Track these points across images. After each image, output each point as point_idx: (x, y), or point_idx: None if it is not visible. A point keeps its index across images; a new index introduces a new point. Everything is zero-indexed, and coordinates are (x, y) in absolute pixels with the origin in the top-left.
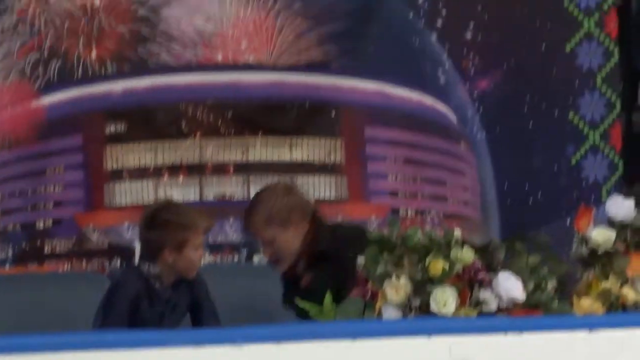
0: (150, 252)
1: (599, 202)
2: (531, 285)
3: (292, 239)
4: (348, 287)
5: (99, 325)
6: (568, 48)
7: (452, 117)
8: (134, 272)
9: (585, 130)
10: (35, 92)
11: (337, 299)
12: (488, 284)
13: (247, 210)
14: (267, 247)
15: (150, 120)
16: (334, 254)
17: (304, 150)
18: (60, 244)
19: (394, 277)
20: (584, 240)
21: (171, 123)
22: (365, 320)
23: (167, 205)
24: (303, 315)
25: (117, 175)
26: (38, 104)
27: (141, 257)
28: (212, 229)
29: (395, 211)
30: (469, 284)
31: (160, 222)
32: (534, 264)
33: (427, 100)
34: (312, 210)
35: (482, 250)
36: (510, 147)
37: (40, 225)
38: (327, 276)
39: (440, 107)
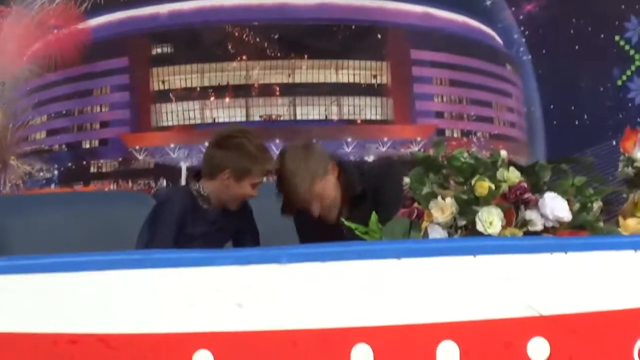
0: (211, 168)
1: None
2: (577, 206)
3: (332, 186)
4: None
5: (145, 241)
6: None
7: (497, 39)
8: (182, 191)
9: (632, 52)
10: (81, 14)
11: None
12: (534, 204)
13: (288, 191)
14: (316, 205)
15: (196, 42)
16: (369, 190)
17: (349, 72)
18: (106, 164)
19: (439, 198)
20: (630, 160)
21: (217, 45)
22: (411, 240)
23: (247, 132)
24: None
25: (163, 96)
26: (84, 26)
27: (194, 176)
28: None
29: (440, 132)
30: (514, 204)
31: (235, 143)
32: (580, 184)
33: (473, 22)
34: (332, 157)
35: (528, 171)
36: (556, 69)
37: (86, 145)
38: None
39: (486, 29)
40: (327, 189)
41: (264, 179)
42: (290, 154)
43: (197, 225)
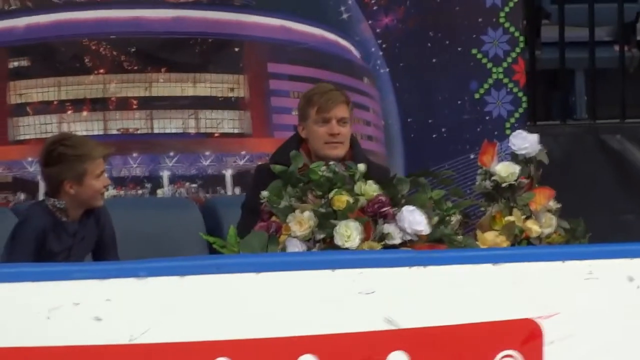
0: (52, 187)
1: (503, 137)
2: (435, 219)
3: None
4: None
5: (5, 260)
6: None
7: (355, 52)
8: (40, 207)
9: (489, 65)
10: None
11: None
12: (392, 217)
13: (324, 90)
14: (339, 127)
15: (53, 55)
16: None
17: (207, 85)
18: None
19: (297, 211)
20: (488, 174)
21: (74, 58)
22: (269, 254)
23: (62, 139)
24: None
25: (21, 109)
26: None
27: (46, 192)
28: (113, 159)
29: None
30: (373, 217)
31: (56, 156)
32: (438, 197)
33: (330, 35)
34: None
35: (386, 185)
36: (413, 82)
37: None
38: None
39: (343, 42)
40: (348, 129)
41: (104, 165)
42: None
43: (59, 239)
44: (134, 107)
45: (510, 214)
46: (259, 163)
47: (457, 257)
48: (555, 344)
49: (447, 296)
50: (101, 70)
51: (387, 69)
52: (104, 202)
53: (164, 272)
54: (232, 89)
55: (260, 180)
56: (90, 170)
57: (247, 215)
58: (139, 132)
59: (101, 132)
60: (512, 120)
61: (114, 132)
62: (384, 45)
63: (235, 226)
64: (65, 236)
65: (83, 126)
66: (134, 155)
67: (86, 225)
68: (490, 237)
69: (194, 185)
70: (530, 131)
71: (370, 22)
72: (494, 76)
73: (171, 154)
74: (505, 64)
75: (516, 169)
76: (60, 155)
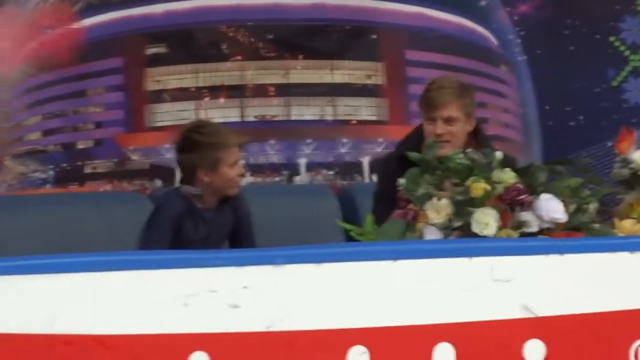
0: (187, 174)
1: None
2: (572, 207)
3: (464, 133)
4: None
5: (143, 247)
6: None
7: (492, 40)
8: (176, 194)
9: (627, 53)
10: (75, 14)
11: None
12: (529, 205)
13: (435, 85)
14: (445, 127)
15: (191, 42)
16: None
17: (344, 72)
18: (101, 165)
19: (435, 199)
20: (626, 162)
21: (212, 45)
22: (407, 241)
23: (197, 126)
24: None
25: (158, 96)
26: (78, 26)
27: (181, 179)
28: (250, 147)
29: None
30: (510, 205)
31: (190, 143)
32: (576, 185)
33: (468, 23)
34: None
35: (524, 172)
36: (551, 70)
37: (81, 146)
38: None
39: (481, 30)
40: (457, 128)
41: (240, 154)
42: (455, 80)
43: (195, 226)
44: (271, 94)
45: None
46: (388, 153)
47: (595, 245)
48: None
49: (584, 284)
50: (238, 57)
51: (525, 57)
52: (241, 189)
53: (300, 259)
54: (369, 76)
55: (391, 169)
56: (224, 158)
57: (379, 205)
58: (276, 119)
59: (238, 119)
60: None
61: (251, 119)
62: (521, 33)
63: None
64: (201, 223)
65: (220, 113)
66: (271, 142)
67: (223, 212)
68: (628, 225)
69: (330, 172)
70: None
71: (508, 9)
72: (632, 64)
73: (308, 141)
74: None
75: None
76: (195, 143)
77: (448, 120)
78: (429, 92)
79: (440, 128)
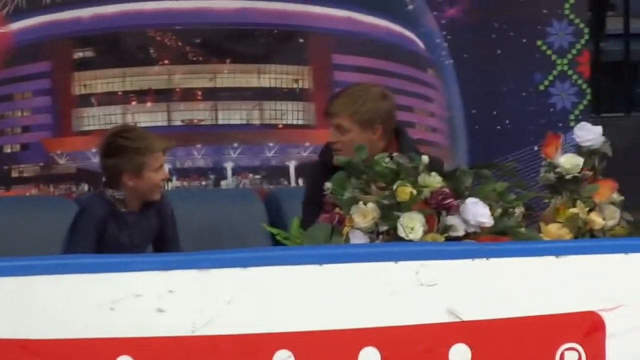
0: (111, 178)
1: (567, 129)
2: (498, 211)
3: (365, 142)
4: None
5: (66, 250)
6: None
7: (419, 44)
8: (99, 197)
9: (554, 57)
10: (2, 18)
11: None
12: (455, 209)
13: (336, 94)
14: (337, 135)
15: (118, 46)
16: None
17: (271, 77)
18: (28, 169)
19: (361, 203)
20: (552, 166)
21: (139, 49)
22: (333, 245)
23: (122, 130)
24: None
25: (85, 100)
26: (6, 30)
27: (104, 183)
28: (177, 151)
29: None
30: (436, 209)
31: (115, 147)
32: (502, 189)
33: (395, 27)
34: (397, 125)
35: (450, 176)
36: (478, 74)
37: (7, 149)
38: None
39: (408, 34)
40: (352, 138)
41: (164, 158)
42: (366, 86)
43: (119, 230)
44: (199, 98)
45: (574, 206)
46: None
47: (521, 249)
48: (617, 337)
49: (510, 288)
50: (166, 61)
51: (452, 61)
52: (166, 193)
53: (226, 263)
54: (296, 80)
55: (317, 175)
56: (149, 163)
57: (307, 210)
58: (203, 123)
59: (165, 124)
60: (576, 112)
61: (178, 123)
62: (448, 37)
63: (298, 217)
64: (124, 227)
65: (147, 117)
66: (198, 146)
67: (147, 216)
68: (554, 230)
69: (257, 176)
70: (594, 123)
71: (435, 13)
72: (559, 68)
73: (235, 145)
74: (569, 56)
75: (580, 161)
76: (119, 147)
77: (339, 129)
78: (330, 100)
79: (332, 136)
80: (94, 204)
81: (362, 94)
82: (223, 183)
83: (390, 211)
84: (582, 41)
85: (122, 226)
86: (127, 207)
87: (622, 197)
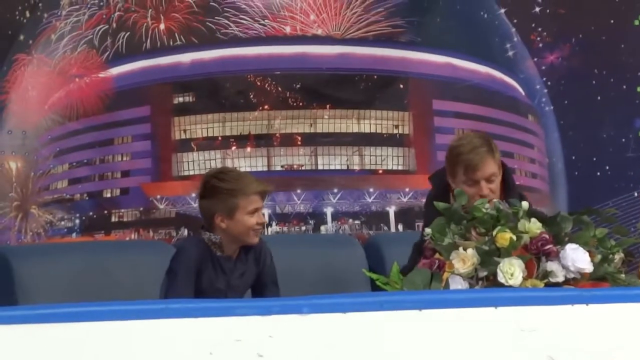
0: (206, 219)
1: None
2: (598, 257)
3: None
4: None
5: (165, 293)
6: (636, 22)
7: (520, 90)
8: (195, 240)
9: None
10: (103, 63)
11: None
12: (555, 255)
13: (468, 149)
14: (487, 185)
15: (217, 91)
16: None
17: (371, 122)
18: (128, 214)
19: (460, 248)
20: None
21: (239, 94)
22: (432, 291)
23: (218, 172)
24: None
25: (185, 145)
26: (106, 75)
27: (202, 226)
28: (276, 196)
29: None
30: (536, 255)
31: (210, 188)
32: (601, 235)
33: (495, 73)
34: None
35: (550, 222)
36: (578, 120)
37: (107, 194)
38: None
39: (508, 80)
40: (497, 182)
41: (262, 202)
42: (481, 136)
43: (215, 273)
44: (299, 143)
45: None
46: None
47: (620, 295)
48: None
49: (610, 335)
50: (266, 106)
51: (552, 107)
52: (264, 238)
53: (326, 308)
54: (396, 126)
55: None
56: (242, 205)
57: (416, 254)
58: (303, 168)
59: (265, 169)
60: None
61: (278, 168)
62: (548, 83)
63: (398, 263)
64: (220, 272)
65: (247, 162)
66: (298, 191)
67: (245, 261)
68: None
69: (357, 221)
70: None
71: (535, 59)
72: None
73: (335, 190)
74: None
75: None
76: (214, 188)
77: (489, 179)
78: (463, 154)
79: (486, 189)
80: (189, 246)
81: (488, 138)
82: (323, 228)
83: (489, 257)
84: None
85: (217, 270)
86: (223, 251)
87: None
